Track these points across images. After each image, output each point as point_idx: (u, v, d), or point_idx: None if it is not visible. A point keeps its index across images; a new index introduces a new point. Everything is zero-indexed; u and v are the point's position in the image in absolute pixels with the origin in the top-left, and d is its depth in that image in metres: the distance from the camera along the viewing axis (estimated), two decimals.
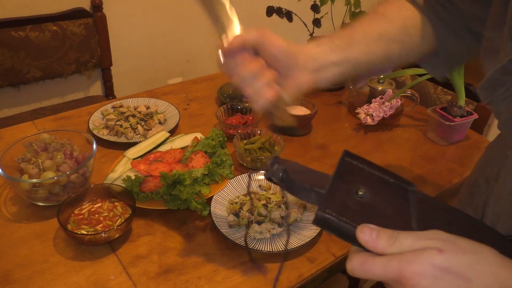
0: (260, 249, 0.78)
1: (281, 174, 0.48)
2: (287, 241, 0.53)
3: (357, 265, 0.42)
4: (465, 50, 0.71)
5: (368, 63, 0.68)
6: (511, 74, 0.53)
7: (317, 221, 0.44)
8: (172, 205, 0.83)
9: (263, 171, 0.94)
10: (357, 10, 1.28)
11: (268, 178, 0.50)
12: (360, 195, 0.46)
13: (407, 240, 0.40)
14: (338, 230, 0.44)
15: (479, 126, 1.25)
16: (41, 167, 0.85)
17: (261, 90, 0.60)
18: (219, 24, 0.65)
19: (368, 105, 1.17)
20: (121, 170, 0.93)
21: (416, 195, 0.49)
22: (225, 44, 0.62)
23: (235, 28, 0.65)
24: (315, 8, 1.32)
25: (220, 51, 0.63)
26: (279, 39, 0.64)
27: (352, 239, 0.43)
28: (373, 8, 0.73)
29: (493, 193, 0.67)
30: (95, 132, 1.08)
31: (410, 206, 0.47)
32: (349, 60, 0.66)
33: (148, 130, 1.11)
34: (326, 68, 0.66)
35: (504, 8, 0.56)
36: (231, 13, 0.67)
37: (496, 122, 0.61)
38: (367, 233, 0.41)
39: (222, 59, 0.63)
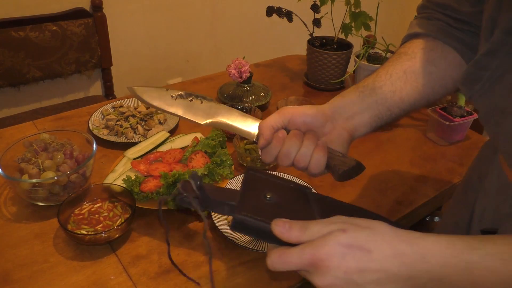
0: (260, 249, 0.78)
1: (198, 190, 0.51)
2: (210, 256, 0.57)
3: (275, 259, 0.46)
4: None
5: (401, 101, 0.67)
6: (484, 69, 0.55)
7: (235, 224, 0.49)
8: (172, 205, 0.83)
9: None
10: (357, 10, 1.28)
11: (182, 199, 0.52)
12: (268, 198, 0.53)
13: (316, 227, 0.47)
14: (255, 229, 0.49)
15: (479, 126, 1.25)
16: (41, 167, 0.85)
17: (312, 153, 0.60)
18: (243, 132, 0.68)
19: None
20: (121, 170, 0.93)
21: (314, 195, 0.57)
22: (260, 141, 0.63)
23: (252, 123, 0.67)
24: (315, 8, 1.32)
25: (259, 150, 0.64)
26: (302, 108, 0.65)
27: (268, 237, 0.48)
28: (395, 52, 0.73)
29: (482, 189, 0.68)
30: (95, 132, 1.08)
31: (311, 204, 0.55)
32: (378, 102, 0.66)
33: (148, 130, 1.11)
34: (357, 114, 0.66)
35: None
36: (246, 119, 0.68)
37: None
38: (280, 225, 0.47)
39: (260, 152, 0.64)
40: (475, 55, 0.68)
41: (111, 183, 0.87)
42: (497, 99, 0.56)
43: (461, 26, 0.69)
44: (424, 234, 0.45)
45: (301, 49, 1.51)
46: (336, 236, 0.44)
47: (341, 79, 1.37)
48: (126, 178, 0.86)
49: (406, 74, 0.68)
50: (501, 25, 0.54)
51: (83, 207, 0.84)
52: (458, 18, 0.69)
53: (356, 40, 1.39)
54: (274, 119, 0.63)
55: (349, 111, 0.66)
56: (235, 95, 1.25)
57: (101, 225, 0.81)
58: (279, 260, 0.46)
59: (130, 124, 1.11)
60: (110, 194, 0.86)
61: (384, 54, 1.32)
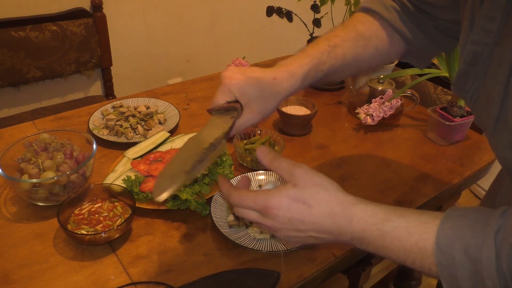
0: (260, 249, 0.78)
1: None
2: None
3: (236, 198, 0.56)
4: (436, 47, 0.78)
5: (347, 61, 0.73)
6: (463, 90, 0.60)
7: None
8: (172, 205, 0.83)
9: (262, 171, 0.95)
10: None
11: None
12: None
13: (283, 162, 0.56)
14: None
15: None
16: (41, 167, 0.85)
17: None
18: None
19: (368, 105, 1.17)
20: (121, 170, 0.93)
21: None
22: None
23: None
24: (315, 8, 1.32)
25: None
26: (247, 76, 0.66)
27: None
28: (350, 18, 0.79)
29: (505, 183, 0.70)
30: (95, 132, 1.08)
31: None
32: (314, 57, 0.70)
33: (148, 130, 1.11)
34: (297, 74, 0.68)
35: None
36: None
37: None
38: (263, 150, 0.58)
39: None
40: (418, 33, 0.75)
41: (111, 183, 0.87)
42: (478, 119, 0.60)
43: (417, 14, 0.74)
44: (357, 201, 0.54)
45: None
46: (287, 189, 0.54)
47: (341, 79, 1.37)
48: (126, 178, 0.87)
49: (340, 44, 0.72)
50: (464, 57, 0.57)
51: (83, 207, 0.84)
52: (420, 7, 0.74)
53: None
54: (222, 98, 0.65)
55: (289, 73, 0.68)
56: None
57: (101, 225, 0.81)
58: (238, 200, 0.56)
59: (130, 124, 1.11)
60: (110, 194, 0.86)
61: None
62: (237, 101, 0.65)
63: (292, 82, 0.66)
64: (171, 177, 0.58)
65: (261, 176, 0.95)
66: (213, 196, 0.88)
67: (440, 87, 1.46)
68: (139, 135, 1.09)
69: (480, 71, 0.56)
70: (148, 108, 1.19)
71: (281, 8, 1.32)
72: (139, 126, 1.11)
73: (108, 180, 0.90)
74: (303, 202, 0.53)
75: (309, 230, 0.55)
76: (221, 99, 0.65)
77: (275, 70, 0.67)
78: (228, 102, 0.65)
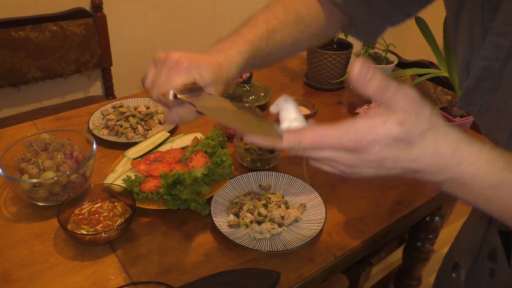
0: (260, 249, 0.78)
1: None
2: None
3: (308, 136, 0.43)
4: (381, 21, 0.76)
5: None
6: (471, 104, 0.58)
7: None
8: (172, 205, 0.83)
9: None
10: None
11: None
12: None
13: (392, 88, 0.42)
14: None
15: (479, 126, 1.25)
16: (41, 167, 0.85)
17: None
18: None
19: (368, 105, 1.17)
20: (121, 170, 0.93)
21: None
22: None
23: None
24: None
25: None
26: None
27: None
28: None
29: None
30: (95, 132, 1.08)
31: None
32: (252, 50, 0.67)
33: (148, 130, 1.11)
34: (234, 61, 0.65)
35: None
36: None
37: None
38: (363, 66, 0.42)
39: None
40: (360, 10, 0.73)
41: (111, 183, 0.87)
42: (487, 132, 0.60)
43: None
44: (470, 140, 0.44)
45: None
46: (390, 129, 0.42)
47: (341, 79, 1.37)
48: (126, 178, 0.86)
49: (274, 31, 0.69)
50: (473, 72, 0.56)
51: (83, 207, 0.84)
52: None
53: (356, 40, 1.39)
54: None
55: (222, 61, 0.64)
56: (235, 95, 1.25)
57: (101, 225, 0.81)
58: (313, 139, 0.43)
59: (130, 124, 1.11)
60: (110, 194, 0.86)
61: (384, 54, 1.32)
62: (194, 83, 0.59)
63: (232, 70, 0.63)
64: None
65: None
66: (213, 196, 0.88)
67: (440, 87, 1.46)
68: (139, 135, 1.09)
69: (489, 85, 0.55)
70: (148, 108, 1.19)
71: None
72: (139, 126, 1.11)
73: (108, 180, 0.90)
74: (407, 141, 0.42)
75: (397, 168, 0.45)
76: (179, 80, 0.57)
77: (217, 56, 0.62)
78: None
